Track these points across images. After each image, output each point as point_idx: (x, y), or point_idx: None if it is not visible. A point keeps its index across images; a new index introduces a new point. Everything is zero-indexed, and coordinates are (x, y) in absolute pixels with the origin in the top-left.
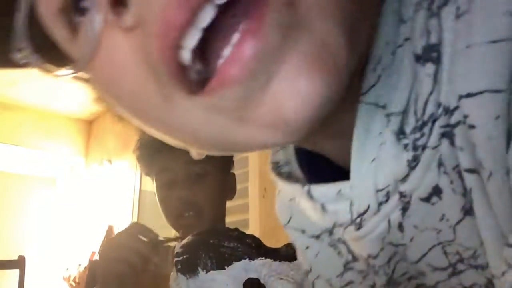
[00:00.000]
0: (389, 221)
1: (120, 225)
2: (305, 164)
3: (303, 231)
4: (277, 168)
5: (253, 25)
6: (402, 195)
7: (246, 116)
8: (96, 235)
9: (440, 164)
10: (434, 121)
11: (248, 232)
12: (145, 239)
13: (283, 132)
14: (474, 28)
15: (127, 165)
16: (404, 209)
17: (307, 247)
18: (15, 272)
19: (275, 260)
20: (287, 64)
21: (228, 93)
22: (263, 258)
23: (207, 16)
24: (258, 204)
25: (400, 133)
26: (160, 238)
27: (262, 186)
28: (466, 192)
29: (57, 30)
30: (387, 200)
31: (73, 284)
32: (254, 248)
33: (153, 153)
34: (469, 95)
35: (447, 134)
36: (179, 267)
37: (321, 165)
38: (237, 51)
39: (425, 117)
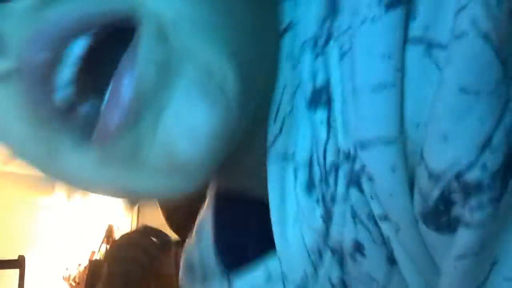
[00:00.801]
0: (331, 283)
1: (120, 225)
2: (224, 245)
3: None
4: (189, 270)
5: (126, 64)
6: (332, 250)
7: (140, 164)
8: (96, 235)
9: (354, 215)
10: (337, 170)
11: None
12: (155, 240)
13: (182, 175)
14: (357, 70)
15: None
16: (341, 264)
17: None
18: (15, 272)
19: None
20: (172, 99)
21: (115, 142)
22: None
23: (75, 50)
24: None
25: (310, 186)
26: (170, 239)
27: None
28: (385, 240)
29: None
30: (321, 259)
31: (73, 284)
32: None
33: None
34: (362, 145)
35: (354, 182)
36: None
37: (242, 234)
38: (115, 94)
39: (327, 167)
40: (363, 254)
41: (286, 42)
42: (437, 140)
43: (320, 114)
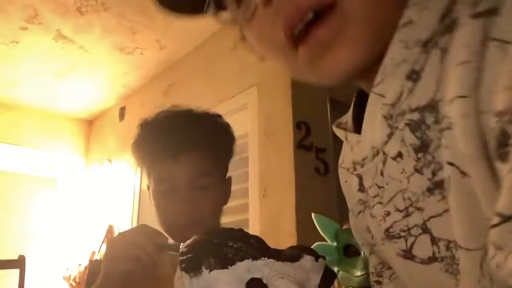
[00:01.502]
0: (376, 168)
1: (120, 225)
2: (355, 118)
3: (347, 169)
4: (338, 124)
5: (322, 24)
6: (384, 153)
7: (317, 64)
8: (96, 235)
9: (402, 140)
10: (403, 115)
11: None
12: (155, 241)
13: (336, 76)
14: (451, 52)
15: (127, 165)
16: (384, 162)
17: (346, 181)
18: (15, 272)
19: (278, 260)
20: (336, 45)
21: (308, 48)
22: (266, 258)
23: (309, 17)
24: (258, 204)
25: (388, 117)
26: (170, 241)
27: (262, 186)
28: (417, 160)
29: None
30: (377, 154)
31: (73, 284)
32: (258, 248)
33: (155, 154)
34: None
35: (409, 125)
36: (184, 265)
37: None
38: (313, 33)
39: (401, 111)
40: (402, 158)
41: (404, 31)
42: (502, 90)
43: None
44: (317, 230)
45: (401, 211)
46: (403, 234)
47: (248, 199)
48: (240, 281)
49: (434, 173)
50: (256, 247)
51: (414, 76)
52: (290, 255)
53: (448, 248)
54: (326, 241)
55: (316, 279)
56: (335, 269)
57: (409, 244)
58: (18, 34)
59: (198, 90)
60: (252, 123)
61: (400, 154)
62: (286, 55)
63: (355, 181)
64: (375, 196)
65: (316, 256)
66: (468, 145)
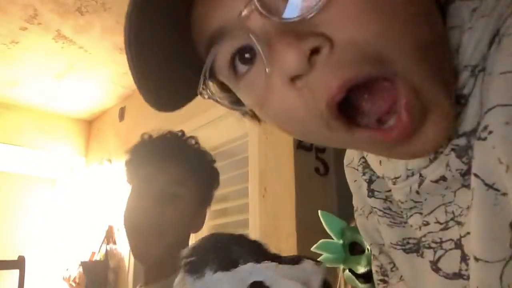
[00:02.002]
0: (410, 187)
1: (120, 225)
2: None
3: (356, 169)
4: None
5: (405, 107)
6: (421, 175)
7: (404, 145)
8: (96, 235)
9: (447, 165)
10: (449, 140)
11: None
12: None
13: (424, 153)
14: (494, 66)
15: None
16: (420, 184)
17: (354, 181)
18: (15, 272)
19: (280, 263)
20: (423, 132)
21: (393, 136)
22: (269, 261)
23: (353, 95)
24: (258, 204)
25: None
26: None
27: (262, 186)
28: (464, 180)
29: (226, 77)
30: (411, 176)
31: (73, 284)
32: (260, 252)
33: (140, 161)
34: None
35: (455, 150)
36: (187, 268)
37: None
38: (400, 121)
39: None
40: (445, 181)
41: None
42: None
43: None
44: (317, 230)
45: (441, 223)
46: (433, 245)
47: (248, 199)
48: (243, 283)
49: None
50: (258, 251)
51: (462, 100)
52: (290, 259)
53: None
54: (326, 239)
55: (317, 281)
56: (341, 266)
57: (437, 257)
58: (18, 34)
59: None
60: (252, 123)
61: (443, 178)
62: (332, 131)
63: (364, 185)
64: (411, 208)
65: (316, 261)
66: (509, 153)
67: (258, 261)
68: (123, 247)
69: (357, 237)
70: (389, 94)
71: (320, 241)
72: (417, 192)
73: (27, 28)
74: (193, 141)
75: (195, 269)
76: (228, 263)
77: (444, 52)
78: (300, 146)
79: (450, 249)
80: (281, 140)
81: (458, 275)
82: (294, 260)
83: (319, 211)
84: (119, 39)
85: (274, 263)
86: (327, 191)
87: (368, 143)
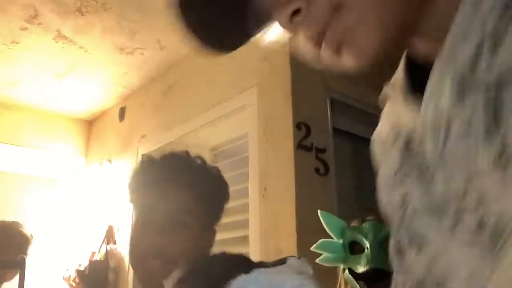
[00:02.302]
0: (438, 139)
1: (120, 225)
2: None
3: (385, 141)
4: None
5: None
6: (448, 121)
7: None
8: (96, 235)
9: (474, 108)
10: (478, 82)
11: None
12: None
13: (356, 65)
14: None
15: (127, 165)
16: (447, 130)
17: (382, 153)
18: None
19: (267, 267)
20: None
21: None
22: (257, 268)
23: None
24: (258, 204)
25: (460, 81)
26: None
27: (262, 186)
28: (490, 127)
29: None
30: (439, 123)
31: (73, 284)
32: (246, 264)
33: (142, 185)
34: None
35: (485, 92)
36: None
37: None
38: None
39: (476, 78)
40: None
41: None
42: None
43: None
44: (317, 230)
45: (459, 182)
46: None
47: (248, 199)
48: None
49: (503, 144)
50: (243, 263)
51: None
52: (275, 262)
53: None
54: (326, 239)
55: (310, 269)
56: (341, 266)
57: (455, 221)
58: (18, 34)
59: (198, 91)
60: (252, 123)
61: (470, 122)
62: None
63: (396, 151)
64: (434, 165)
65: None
66: None
67: (246, 271)
68: (123, 247)
69: (357, 236)
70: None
71: (320, 240)
72: (444, 145)
73: (27, 28)
74: (199, 161)
75: None
76: (221, 285)
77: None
78: (300, 146)
79: (470, 211)
80: (281, 140)
81: (472, 243)
82: (279, 262)
83: (318, 211)
84: (120, 39)
85: (261, 269)
86: (327, 191)
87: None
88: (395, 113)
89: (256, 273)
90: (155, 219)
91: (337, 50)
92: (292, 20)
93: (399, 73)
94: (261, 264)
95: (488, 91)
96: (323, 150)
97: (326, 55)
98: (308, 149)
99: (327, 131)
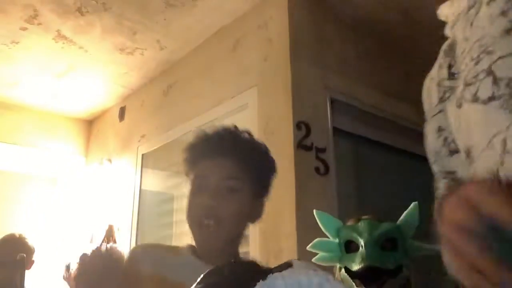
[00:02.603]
0: (468, 20)
1: (120, 225)
2: None
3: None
4: None
5: None
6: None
7: None
8: (96, 234)
9: None
10: None
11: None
12: None
13: None
14: None
15: (127, 164)
16: (477, 11)
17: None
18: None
19: (280, 271)
20: None
21: None
22: (272, 273)
23: None
24: None
25: None
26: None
27: None
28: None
29: None
30: (473, 6)
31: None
32: (260, 269)
33: (197, 157)
34: None
35: None
36: None
37: None
38: None
39: None
40: None
41: None
42: None
43: None
44: (317, 230)
45: (473, 59)
46: (473, 80)
47: None
48: None
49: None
50: (257, 269)
51: None
52: (282, 266)
53: (507, 85)
54: (322, 238)
55: (318, 269)
56: (337, 265)
57: (476, 89)
58: (18, 35)
59: (198, 90)
60: (252, 123)
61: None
62: None
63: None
64: (462, 52)
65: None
66: None
67: (262, 278)
68: (123, 247)
69: (352, 235)
70: None
71: (316, 240)
72: (471, 24)
73: (27, 28)
74: (246, 135)
75: None
76: None
77: None
78: (300, 146)
79: (484, 78)
80: (281, 140)
81: (491, 98)
82: (286, 265)
83: (314, 211)
84: (119, 39)
85: (277, 273)
86: (327, 191)
87: None
88: None
89: (273, 277)
90: (208, 185)
91: None
92: None
93: None
94: (272, 269)
95: None
96: (323, 150)
97: None
98: (308, 148)
99: (327, 131)
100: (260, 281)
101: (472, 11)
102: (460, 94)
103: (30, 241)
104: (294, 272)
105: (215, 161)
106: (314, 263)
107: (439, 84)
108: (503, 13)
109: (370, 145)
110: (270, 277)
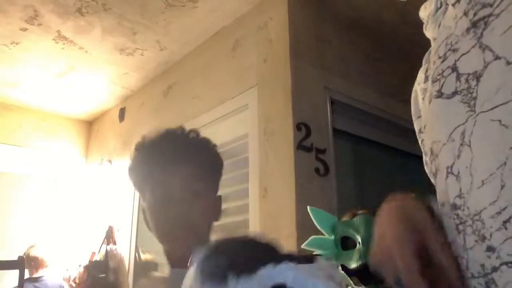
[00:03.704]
0: (437, 21)
1: (120, 225)
2: None
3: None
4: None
5: None
6: (446, 3)
7: None
8: (96, 235)
9: None
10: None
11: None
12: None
13: None
14: None
15: (127, 165)
16: (444, 13)
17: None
18: (15, 272)
19: (298, 263)
20: None
21: None
22: (287, 262)
23: None
24: (258, 204)
25: None
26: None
27: (262, 186)
28: (469, 1)
29: None
30: (440, 7)
31: (73, 284)
32: (276, 253)
33: (148, 170)
34: None
35: None
36: (207, 276)
37: None
38: None
39: None
40: None
41: None
42: None
43: None
44: (317, 230)
45: (440, 57)
46: (438, 77)
47: (248, 200)
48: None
49: (475, 14)
50: (273, 253)
51: None
52: (304, 257)
53: (467, 80)
54: (318, 235)
55: (338, 275)
56: (334, 262)
57: (440, 85)
58: (18, 35)
59: (198, 91)
60: (252, 123)
61: (458, 0)
62: None
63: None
64: (432, 53)
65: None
66: None
67: (277, 262)
68: (123, 247)
69: (349, 231)
70: None
71: (311, 237)
72: (439, 25)
73: (27, 29)
74: (194, 134)
75: (217, 277)
76: (247, 269)
77: None
78: (300, 146)
79: (449, 74)
80: (281, 141)
81: (454, 92)
82: (308, 259)
83: (308, 207)
84: (120, 40)
85: (292, 264)
86: (327, 191)
87: None
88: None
89: (285, 267)
90: (171, 193)
91: None
92: None
93: None
94: (290, 256)
95: None
96: (323, 151)
97: None
98: (308, 149)
99: (327, 132)
100: (272, 263)
101: (439, 12)
102: (429, 92)
103: None
104: (310, 271)
105: (173, 168)
106: (336, 266)
107: (421, 88)
108: (465, 13)
109: (370, 145)
110: (284, 265)
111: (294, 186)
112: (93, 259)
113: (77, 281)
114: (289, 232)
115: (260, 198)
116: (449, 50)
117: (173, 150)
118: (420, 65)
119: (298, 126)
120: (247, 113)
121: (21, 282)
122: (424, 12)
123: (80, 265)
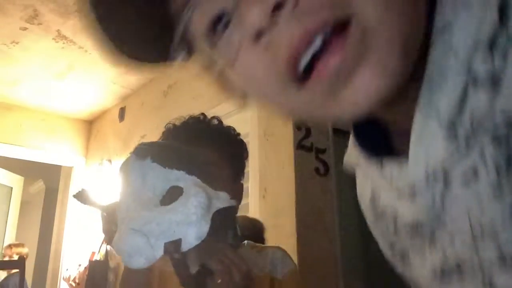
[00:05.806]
0: (433, 195)
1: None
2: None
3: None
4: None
5: (336, 49)
6: (446, 173)
7: (336, 96)
8: (96, 235)
9: (481, 153)
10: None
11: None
12: None
13: (362, 108)
14: None
15: None
16: (446, 186)
17: (376, 219)
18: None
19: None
20: (358, 74)
21: (324, 80)
22: (194, 176)
23: (317, 44)
24: (258, 204)
25: (451, 127)
26: None
27: (262, 186)
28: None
29: (201, 42)
30: (434, 179)
31: (73, 284)
32: (195, 167)
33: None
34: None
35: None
36: (136, 150)
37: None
38: (327, 62)
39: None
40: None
41: (446, 35)
42: None
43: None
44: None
45: (469, 239)
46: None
47: (248, 199)
48: (167, 181)
49: None
50: (196, 164)
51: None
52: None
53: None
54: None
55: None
56: None
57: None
58: (18, 35)
59: (198, 91)
60: (252, 123)
61: (475, 172)
62: (287, 94)
63: (391, 222)
64: (433, 225)
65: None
66: None
67: (189, 173)
68: None
69: None
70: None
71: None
72: (442, 201)
73: (27, 28)
74: (215, 121)
75: (141, 153)
76: (164, 161)
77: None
78: (300, 146)
79: (479, 268)
80: (281, 140)
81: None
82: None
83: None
84: None
85: (199, 180)
86: (327, 191)
87: (316, 94)
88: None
89: (192, 179)
90: None
91: (352, 66)
92: (274, 14)
93: (352, 150)
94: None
95: (495, 131)
96: (323, 150)
97: (323, 88)
98: (308, 149)
99: (327, 131)
100: (186, 172)
101: (436, 184)
102: None
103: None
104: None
105: (193, 149)
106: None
107: None
108: (497, 196)
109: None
110: (191, 177)
111: (294, 185)
112: (93, 259)
113: (77, 280)
114: (289, 231)
115: (260, 198)
116: (481, 235)
117: (191, 134)
118: None
119: (298, 126)
120: (247, 113)
121: (22, 282)
122: None
123: (80, 265)
